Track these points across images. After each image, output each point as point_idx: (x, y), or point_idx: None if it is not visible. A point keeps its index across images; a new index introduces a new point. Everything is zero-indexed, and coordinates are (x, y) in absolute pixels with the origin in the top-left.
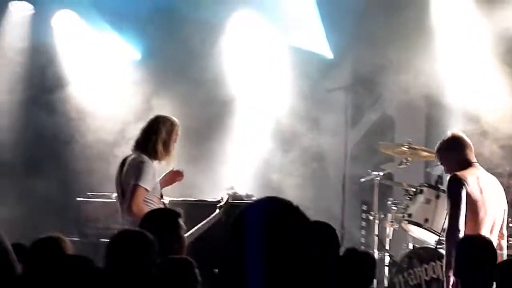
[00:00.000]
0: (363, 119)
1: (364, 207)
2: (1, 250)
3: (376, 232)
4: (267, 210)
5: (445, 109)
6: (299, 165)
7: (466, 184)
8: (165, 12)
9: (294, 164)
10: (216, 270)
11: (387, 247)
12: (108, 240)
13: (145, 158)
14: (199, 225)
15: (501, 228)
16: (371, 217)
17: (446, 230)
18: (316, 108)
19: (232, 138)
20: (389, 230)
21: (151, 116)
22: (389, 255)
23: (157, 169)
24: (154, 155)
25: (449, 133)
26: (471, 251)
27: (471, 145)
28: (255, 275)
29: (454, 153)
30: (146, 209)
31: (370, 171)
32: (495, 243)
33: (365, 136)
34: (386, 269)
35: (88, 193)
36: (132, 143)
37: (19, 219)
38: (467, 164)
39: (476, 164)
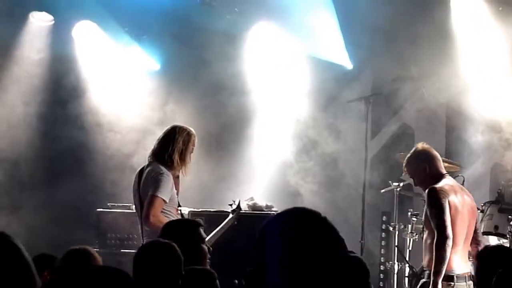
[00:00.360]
0: (383, 129)
1: (384, 218)
2: (22, 265)
3: (396, 243)
4: (294, 221)
5: (465, 119)
6: (319, 176)
7: (447, 195)
8: (184, 22)
9: (313, 174)
10: (236, 281)
11: (407, 258)
12: (133, 251)
13: (163, 169)
14: (214, 231)
15: (477, 236)
16: (391, 228)
17: (436, 239)
18: (336, 119)
19: (251, 149)
20: (409, 241)
21: (168, 126)
22: (409, 266)
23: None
24: (170, 165)
25: (417, 146)
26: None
27: (439, 156)
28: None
29: (425, 165)
30: (164, 219)
31: (390, 182)
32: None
33: (385, 147)
34: (406, 280)
35: (108, 204)
36: (141, 152)
37: (39, 230)
38: (440, 176)
39: (447, 175)
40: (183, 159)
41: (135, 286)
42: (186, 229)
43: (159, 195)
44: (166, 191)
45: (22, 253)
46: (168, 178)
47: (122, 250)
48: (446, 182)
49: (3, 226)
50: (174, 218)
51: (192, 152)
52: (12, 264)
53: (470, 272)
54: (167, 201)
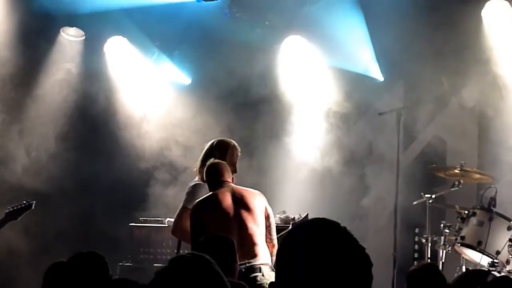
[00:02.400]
0: (415, 141)
1: (417, 230)
2: None
3: (428, 255)
4: (315, 232)
5: (498, 130)
6: (351, 188)
7: None
8: (215, 36)
9: (346, 187)
10: None
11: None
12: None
13: (196, 181)
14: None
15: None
16: (423, 240)
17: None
18: (368, 131)
19: (284, 161)
20: (442, 253)
21: (203, 142)
22: None
23: None
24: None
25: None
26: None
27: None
28: None
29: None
30: (183, 228)
31: (422, 194)
32: None
33: (417, 159)
34: None
35: (141, 218)
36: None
37: (74, 248)
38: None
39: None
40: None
41: None
42: (221, 246)
43: (184, 205)
44: (189, 200)
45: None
46: (197, 189)
47: (155, 265)
48: None
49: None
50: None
51: (235, 162)
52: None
53: None
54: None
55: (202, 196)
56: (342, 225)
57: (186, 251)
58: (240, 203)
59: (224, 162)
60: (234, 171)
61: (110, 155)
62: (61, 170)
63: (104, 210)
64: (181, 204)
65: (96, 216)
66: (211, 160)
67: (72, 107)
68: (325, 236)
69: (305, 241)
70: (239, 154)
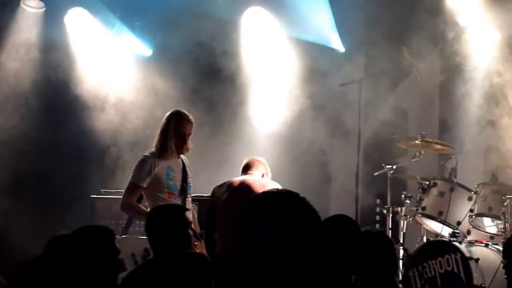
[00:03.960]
0: (377, 112)
1: (378, 201)
2: None
3: (390, 225)
4: (274, 202)
5: (458, 101)
6: (310, 159)
7: None
8: (176, 8)
9: (305, 157)
10: None
11: (401, 241)
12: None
13: (146, 153)
14: None
15: None
16: (384, 211)
17: None
18: (329, 102)
19: (246, 131)
20: (403, 224)
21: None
22: (403, 249)
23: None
24: (158, 151)
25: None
26: None
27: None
28: (266, 268)
29: None
30: (130, 204)
31: (383, 164)
32: None
33: (378, 130)
34: (400, 262)
35: (102, 190)
36: (136, 138)
37: (33, 215)
38: None
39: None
40: (164, 142)
41: None
42: (171, 214)
43: (131, 180)
44: (141, 177)
45: None
46: (145, 162)
47: (117, 237)
48: None
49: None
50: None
51: (182, 132)
52: None
53: None
54: (141, 184)
55: (146, 168)
56: (301, 195)
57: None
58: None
59: (256, 159)
60: (180, 142)
61: (70, 126)
62: (21, 141)
63: (65, 182)
64: (129, 179)
65: (57, 188)
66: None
67: (32, 79)
68: (283, 206)
69: (265, 212)
70: (188, 122)
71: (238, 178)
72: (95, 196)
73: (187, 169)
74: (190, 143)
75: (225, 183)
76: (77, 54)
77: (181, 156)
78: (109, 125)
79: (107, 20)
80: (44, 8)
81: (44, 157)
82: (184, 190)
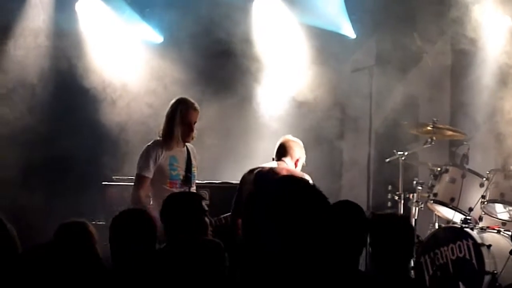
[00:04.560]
0: (388, 99)
1: (390, 187)
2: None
3: (401, 212)
4: (283, 188)
5: (469, 86)
6: (323, 145)
7: None
8: None
9: (319, 145)
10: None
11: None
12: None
13: (150, 144)
14: None
15: None
16: (396, 197)
17: None
18: (340, 89)
19: (257, 119)
20: (415, 210)
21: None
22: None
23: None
24: (163, 139)
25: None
26: None
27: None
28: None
29: None
30: (140, 197)
31: (395, 151)
32: None
33: (389, 116)
34: None
35: (113, 177)
36: (147, 125)
37: (45, 203)
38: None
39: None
40: (170, 129)
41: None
42: (188, 202)
43: (137, 171)
44: (145, 167)
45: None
46: (145, 152)
47: None
48: None
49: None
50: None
51: (188, 119)
52: None
53: None
54: (147, 175)
55: (152, 158)
56: (311, 182)
57: None
58: None
59: (292, 140)
60: (186, 130)
61: (81, 114)
62: (31, 129)
63: (76, 170)
64: (136, 171)
65: (69, 176)
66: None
67: (42, 66)
68: (293, 192)
69: (273, 197)
70: (194, 110)
71: (268, 165)
72: (106, 183)
73: (191, 157)
74: (195, 131)
75: (255, 169)
76: (88, 42)
77: (187, 144)
78: (120, 113)
79: (118, 7)
80: None
81: (55, 145)
82: (188, 179)
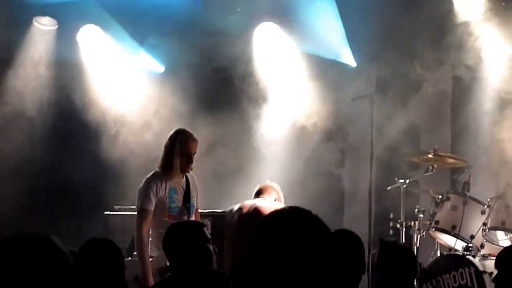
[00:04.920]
0: (389, 126)
1: (391, 215)
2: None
3: (403, 240)
4: (287, 220)
5: (470, 114)
6: (325, 173)
7: None
8: (187, 24)
9: (319, 171)
10: None
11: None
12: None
13: (149, 176)
14: None
15: None
16: (398, 225)
17: None
18: (342, 117)
19: (259, 147)
20: (417, 238)
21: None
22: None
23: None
24: (161, 170)
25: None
26: None
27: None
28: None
29: None
30: (142, 233)
31: (396, 179)
32: None
33: (390, 144)
34: None
35: (115, 207)
36: (149, 155)
37: (47, 230)
38: None
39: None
40: (170, 161)
41: None
42: (190, 231)
43: (139, 205)
44: (146, 200)
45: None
46: (145, 184)
47: (133, 253)
48: None
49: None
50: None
51: (188, 151)
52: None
53: None
54: (150, 208)
55: (152, 191)
56: (313, 212)
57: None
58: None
59: (269, 185)
60: (185, 161)
61: (84, 145)
62: (33, 161)
63: (78, 200)
64: (137, 205)
65: (71, 205)
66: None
67: (44, 97)
68: (296, 224)
69: (278, 230)
70: (193, 141)
71: (249, 202)
72: (108, 212)
73: (191, 187)
74: (194, 162)
75: (236, 205)
76: (90, 72)
77: (187, 173)
78: (120, 142)
79: (119, 37)
80: (57, 26)
81: (56, 176)
82: (187, 210)
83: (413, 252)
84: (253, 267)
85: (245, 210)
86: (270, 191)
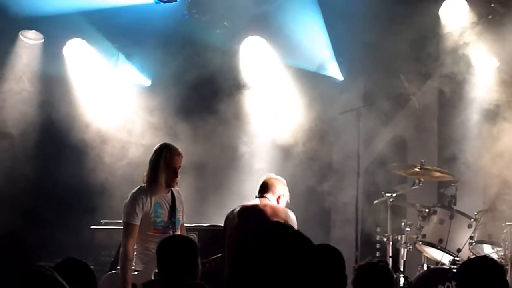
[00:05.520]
0: (376, 140)
1: (378, 229)
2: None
3: (390, 253)
4: (271, 236)
5: (456, 128)
6: (311, 187)
7: None
8: (174, 38)
9: (306, 186)
10: None
11: (401, 269)
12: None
13: (135, 191)
14: None
15: None
16: (385, 239)
17: None
18: (329, 131)
19: (245, 162)
20: (404, 252)
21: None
22: (403, 277)
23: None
24: (147, 186)
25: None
26: None
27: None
28: None
29: None
30: (126, 247)
31: (383, 192)
32: None
33: (377, 158)
34: None
35: (102, 221)
36: (136, 169)
37: (33, 249)
38: None
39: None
40: (155, 176)
41: None
42: (185, 244)
43: (124, 220)
44: (131, 214)
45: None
46: (131, 200)
47: (117, 267)
48: None
49: None
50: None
51: (173, 165)
52: None
53: None
54: (135, 223)
55: (138, 205)
56: (296, 228)
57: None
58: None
59: (274, 178)
60: (171, 176)
61: (69, 159)
62: (20, 176)
63: (65, 214)
64: (123, 219)
65: (58, 220)
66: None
67: (31, 110)
68: (280, 241)
69: (261, 247)
70: (178, 155)
71: (250, 202)
72: (95, 227)
73: (176, 202)
74: (179, 176)
75: (237, 207)
76: (75, 86)
77: (172, 188)
78: (108, 157)
79: (106, 51)
80: (43, 40)
81: (42, 189)
82: (172, 224)
83: (389, 270)
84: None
85: (245, 212)
86: (274, 186)
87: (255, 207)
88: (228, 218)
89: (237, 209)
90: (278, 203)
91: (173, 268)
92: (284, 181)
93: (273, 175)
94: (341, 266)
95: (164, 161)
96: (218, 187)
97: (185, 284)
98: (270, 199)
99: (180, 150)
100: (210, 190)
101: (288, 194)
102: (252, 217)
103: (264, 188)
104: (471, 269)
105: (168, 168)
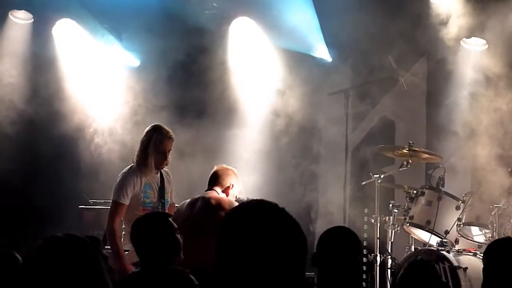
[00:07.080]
0: (364, 122)
1: (366, 210)
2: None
3: (378, 235)
4: (253, 213)
5: (445, 110)
6: (299, 168)
7: None
8: (163, 18)
9: (294, 167)
10: None
11: (389, 250)
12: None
13: (126, 169)
14: None
15: None
16: (372, 220)
17: None
18: (317, 112)
19: (233, 142)
20: (391, 233)
21: (148, 123)
22: (391, 258)
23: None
24: (137, 166)
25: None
26: None
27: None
28: (243, 278)
29: None
30: (114, 226)
31: (371, 174)
32: None
33: (365, 139)
34: (389, 271)
35: (90, 201)
36: (124, 150)
37: (21, 225)
38: None
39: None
40: (145, 157)
41: None
42: (158, 221)
43: (113, 198)
44: (120, 194)
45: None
46: (122, 179)
47: (106, 246)
48: None
49: None
50: None
51: (163, 148)
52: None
53: None
54: (124, 202)
55: (129, 185)
56: (280, 206)
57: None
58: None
59: (223, 169)
60: (160, 158)
61: (60, 139)
62: (8, 153)
63: (53, 194)
64: (112, 198)
65: (45, 199)
66: (218, 165)
67: (20, 89)
68: (262, 217)
69: (244, 223)
70: (168, 139)
71: (197, 196)
72: (83, 206)
73: (165, 183)
74: (169, 158)
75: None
76: (65, 66)
77: (162, 170)
78: (97, 138)
79: (95, 31)
80: (33, 20)
81: (32, 167)
82: (162, 205)
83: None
84: (216, 269)
85: (191, 205)
86: (221, 180)
87: (201, 200)
88: (179, 211)
89: (186, 203)
90: (227, 194)
91: (150, 247)
92: (234, 170)
93: (223, 166)
94: (357, 249)
95: (154, 144)
96: (208, 170)
97: (168, 270)
98: (217, 191)
99: (171, 133)
100: (200, 173)
101: (239, 183)
102: (199, 210)
103: (212, 181)
104: (500, 250)
105: (158, 151)
